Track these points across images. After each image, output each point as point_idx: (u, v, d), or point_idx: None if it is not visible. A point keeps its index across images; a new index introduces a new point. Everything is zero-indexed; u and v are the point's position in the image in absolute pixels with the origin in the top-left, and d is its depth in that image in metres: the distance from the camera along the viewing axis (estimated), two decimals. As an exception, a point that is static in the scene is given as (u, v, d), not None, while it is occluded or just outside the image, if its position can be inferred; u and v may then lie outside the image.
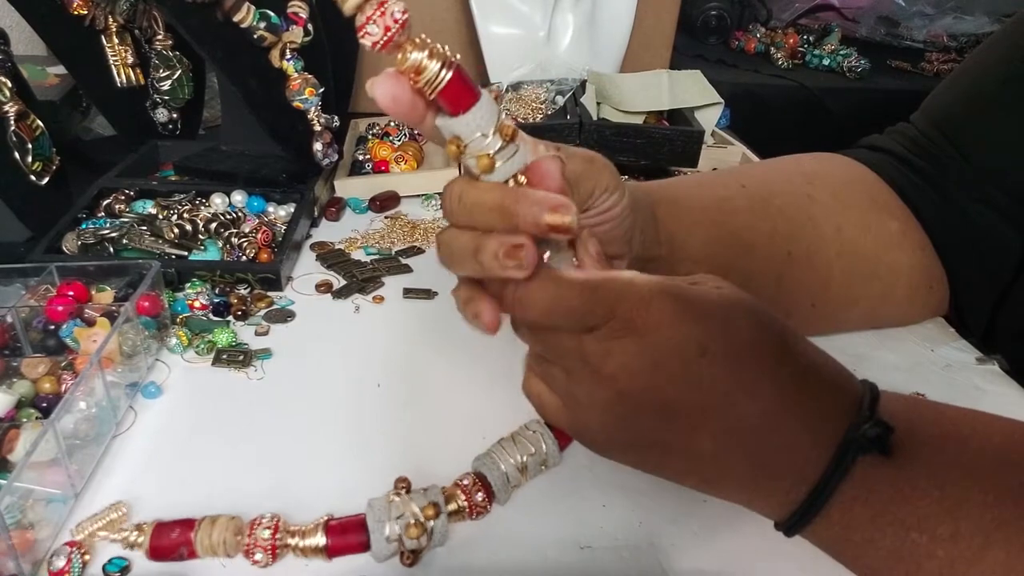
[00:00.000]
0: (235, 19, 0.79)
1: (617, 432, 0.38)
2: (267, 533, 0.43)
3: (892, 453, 0.34)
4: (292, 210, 0.81)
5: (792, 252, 0.59)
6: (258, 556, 0.42)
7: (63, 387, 0.55)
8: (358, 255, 0.79)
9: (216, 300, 0.69)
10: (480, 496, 0.47)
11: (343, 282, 0.74)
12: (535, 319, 0.37)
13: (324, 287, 0.73)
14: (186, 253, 0.74)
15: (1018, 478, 0.34)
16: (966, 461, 0.35)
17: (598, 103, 0.98)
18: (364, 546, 0.44)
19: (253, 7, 0.80)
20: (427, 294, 0.72)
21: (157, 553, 0.41)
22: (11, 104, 0.77)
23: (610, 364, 0.35)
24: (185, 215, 0.77)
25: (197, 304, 0.68)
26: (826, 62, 1.43)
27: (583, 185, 0.43)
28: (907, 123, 0.67)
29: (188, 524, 0.41)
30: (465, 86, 0.34)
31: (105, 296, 0.64)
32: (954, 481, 0.34)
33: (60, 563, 0.44)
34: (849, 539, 0.36)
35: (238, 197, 0.81)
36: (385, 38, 0.33)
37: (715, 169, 0.94)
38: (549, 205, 0.34)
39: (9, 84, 0.77)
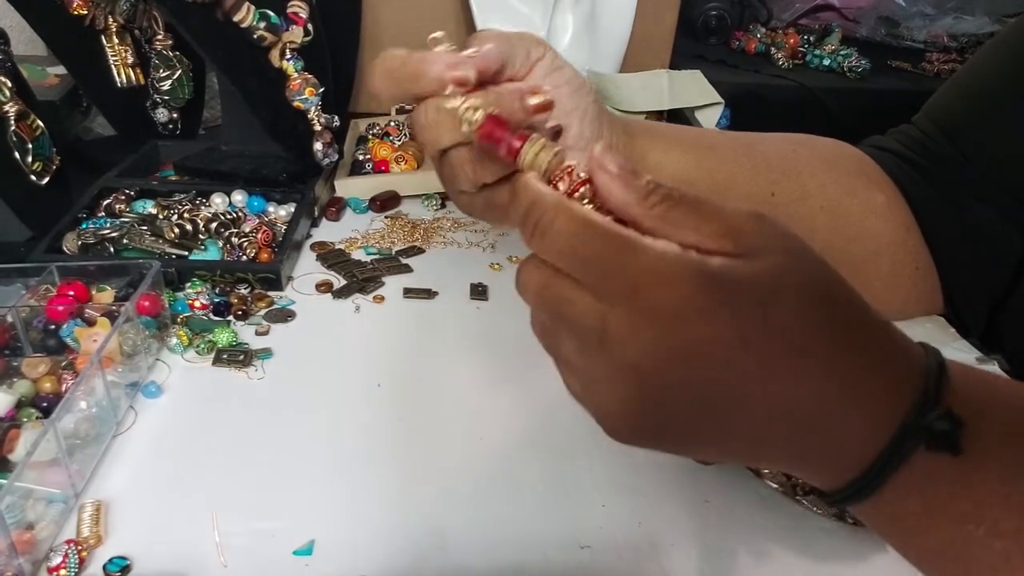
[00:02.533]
0: (235, 19, 0.79)
1: (641, 420, 0.34)
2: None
3: (962, 451, 0.31)
4: (292, 210, 0.81)
5: (776, 194, 0.58)
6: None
7: (63, 387, 0.55)
8: (358, 255, 0.79)
9: (216, 300, 0.69)
10: None
11: (343, 282, 0.74)
12: (553, 254, 0.33)
13: (324, 287, 0.73)
14: (186, 253, 0.74)
15: None
16: None
17: (598, 103, 0.98)
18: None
19: (253, 7, 0.80)
20: (427, 294, 0.72)
21: (487, 136, 0.37)
22: (11, 104, 0.77)
23: (632, 351, 0.31)
24: (185, 215, 0.77)
25: (197, 304, 0.68)
26: (827, 62, 1.43)
27: (515, 53, 0.43)
28: (909, 124, 0.67)
29: (523, 135, 0.37)
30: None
31: (105, 296, 0.64)
32: (1022, 475, 0.31)
33: (57, 559, 0.44)
34: (900, 525, 0.34)
35: (238, 197, 0.81)
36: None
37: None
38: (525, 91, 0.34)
39: (9, 84, 0.77)
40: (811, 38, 1.49)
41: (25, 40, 1.02)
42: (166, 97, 0.97)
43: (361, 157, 0.96)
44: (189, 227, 0.76)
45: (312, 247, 0.80)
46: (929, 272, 0.65)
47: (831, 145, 0.65)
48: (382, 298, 0.72)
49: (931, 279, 0.65)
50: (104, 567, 0.45)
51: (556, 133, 0.43)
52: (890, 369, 0.33)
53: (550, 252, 0.33)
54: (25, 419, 0.52)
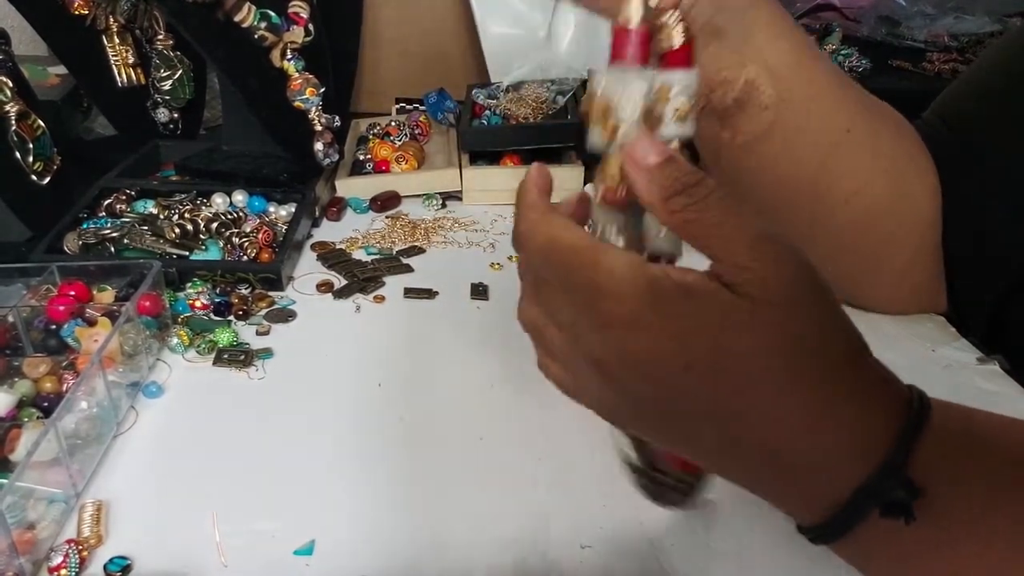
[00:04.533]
0: (236, 19, 0.79)
1: (618, 412, 0.36)
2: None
3: (914, 519, 0.30)
4: (293, 210, 0.81)
5: (851, 131, 0.57)
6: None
7: (64, 387, 0.55)
8: (359, 255, 0.79)
9: (217, 300, 0.69)
10: None
11: (344, 282, 0.74)
12: (535, 265, 0.37)
13: (325, 287, 0.73)
14: (187, 253, 0.74)
15: None
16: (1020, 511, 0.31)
17: (599, 103, 0.98)
18: None
19: (254, 7, 0.80)
20: (428, 294, 0.72)
21: None
22: (12, 104, 0.77)
23: (597, 351, 0.33)
24: (186, 215, 0.77)
25: (198, 304, 0.68)
26: (827, 62, 1.43)
27: None
28: (919, 120, 0.67)
29: None
30: None
31: (106, 296, 0.64)
32: (1005, 535, 0.30)
33: (58, 559, 0.44)
34: (873, 566, 0.34)
35: (239, 197, 0.81)
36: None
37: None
38: None
39: (10, 84, 0.78)
40: (812, 38, 1.49)
41: (26, 40, 1.02)
42: (167, 97, 0.97)
43: (362, 157, 0.96)
44: (190, 227, 0.76)
45: (313, 247, 0.80)
46: (940, 266, 0.65)
47: (897, 115, 0.64)
48: (383, 298, 0.72)
49: (939, 274, 0.65)
50: (104, 567, 0.45)
51: None
52: (855, 428, 0.32)
53: (532, 263, 0.37)
54: (26, 419, 0.52)
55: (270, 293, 0.72)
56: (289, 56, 0.84)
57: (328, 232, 0.84)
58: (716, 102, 0.55)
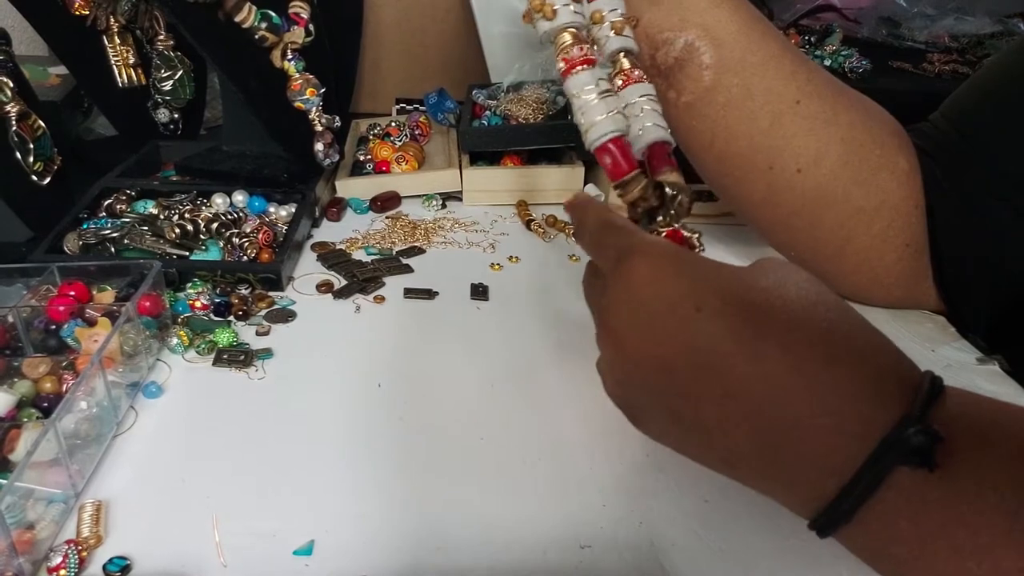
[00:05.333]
0: (236, 19, 0.79)
1: (631, 394, 0.38)
2: None
3: (936, 467, 0.29)
4: (293, 210, 0.81)
5: (801, 103, 0.60)
6: None
7: (64, 387, 0.55)
8: (359, 255, 0.79)
9: (217, 300, 0.69)
10: None
11: (344, 282, 0.74)
12: (585, 242, 0.42)
13: (325, 287, 0.73)
14: (187, 253, 0.74)
15: None
16: None
17: (599, 103, 0.98)
18: None
19: (255, 7, 0.80)
20: (428, 294, 0.72)
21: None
22: (13, 104, 0.77)
23: (612, 319, 0.36)
24: (186, 215, 0.77)
25: (198, 304, 0.68)
26: (828, 63, 1.42)
27: None
28: (926, 122, 0.67)
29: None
30: None
31: (106, 296, 0.64)
32: None
33: (57, 559, 0.44)
34: (891, 554, 0.32)
35: (239, 197, 0.81)
36: None
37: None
38: None
39: (11, 84, 0.78)
40: (812, 38, 1.48)
41: (26, 40, 1.02)
42: (167, 97, 0.97)
43: (362, 157, 0.96)
44: (190, 227, 0.76)
45: (313, 247, 0.80)
46: (918, 257, 0.64)
47: (878, 106, 0.65)
48: (383, 298, 0.72)
49: (918, 266, 0.65)
50: (104, 567, 0.45)
51: None
52: (871, 380, 0.32)
53: (583, 241, 0.41)
54: (25, 419, 0.52)
55: (270, 293, 0.72)
56: (289, 56, 0.84)
57: (328, 232, 0.84)
58: (659, 60, 0.60)
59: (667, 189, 0.44)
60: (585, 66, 0.45)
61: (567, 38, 0.45)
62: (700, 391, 0.34)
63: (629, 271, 0.35)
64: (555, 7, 0.45)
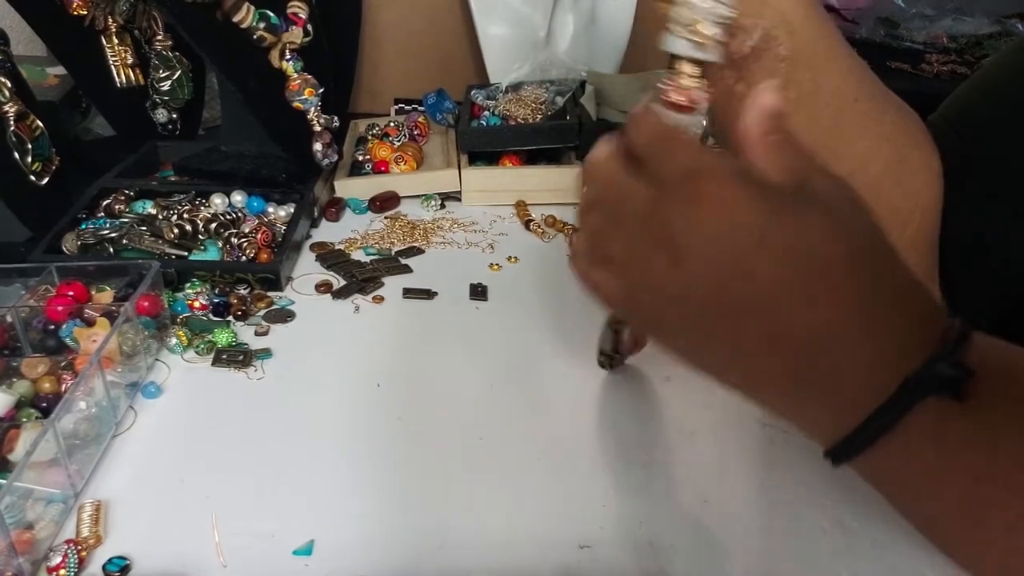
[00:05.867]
0: (235, 19, 0.79)
1: (668, 308, 0.37)
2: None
3: (965, 399, 0.31)
4: (292, 210, 0.81)
5: (859, 101, 0.58)
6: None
7: (63, 387, 0.55)
8: (358, 255, 0.79)
9: (216, 300, 0.69)
10: None
11: (343, 282, 0.74)
12: (639, 138, 0.38)
13: (324, 287, 0.73)
14: (186, 253, 0.74)
15: None
16: None
17: (598, 103, 0.98)
18: None
19: (253, 7, 0.80)
20: (427, 294, 0.72)
21: None
22: (11, 104, 0.77)
23: (668, 230, 0.35)
24: (185, 215, 0.77)
25: (197, 304, 0.68)
26: (826, 63, 1.43)
27: None
28: (925, 123, 0.67)
29: None
30: None
31: (105, 296, 0.64)
32: None
33: (57, 559, 0.44)
34: (909, 483, 0.33)
35: (238, 197, 0.81)
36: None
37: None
38: None
39: (9, 84, 0.77)
40: (810, 39, 1.49)
41: (25, 40, 1.01)
42: (166, 97, 0.97)
43: (360, 158, 0.96)
44: (188, 227, 0.76)
45: (311, 247, 0.80)
46: (933, 259, 0.64)
47: (907, 105, 0.64)
48: (381, 298, 0.72)
49: (932, 268, 0.65)
50: (104, 567, 0.45)
51: None
52: (908, 321, 0.33)
53: (637, 136, 0.38)
54: (24, 419, 0.52)
55: (269, 293, 0.71)
56: (288, 56, 0.84)
57: (327, 233, 0.84)
58: (734, 49, 0.55)
59: None
60: None
61: None
62: (745, 319, 0.34)
63: (698, 190, 0.34)
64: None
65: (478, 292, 0.73)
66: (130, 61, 0.95)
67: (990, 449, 0.31)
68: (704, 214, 0.34)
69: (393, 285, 0.74)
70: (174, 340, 0.63)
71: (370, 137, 1.01)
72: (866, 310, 0.33)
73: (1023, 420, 0.31)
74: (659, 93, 0.39)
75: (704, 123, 0.39)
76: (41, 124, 0.81)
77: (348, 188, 0.90)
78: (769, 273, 0.33)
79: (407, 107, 1.08)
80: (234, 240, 0.74)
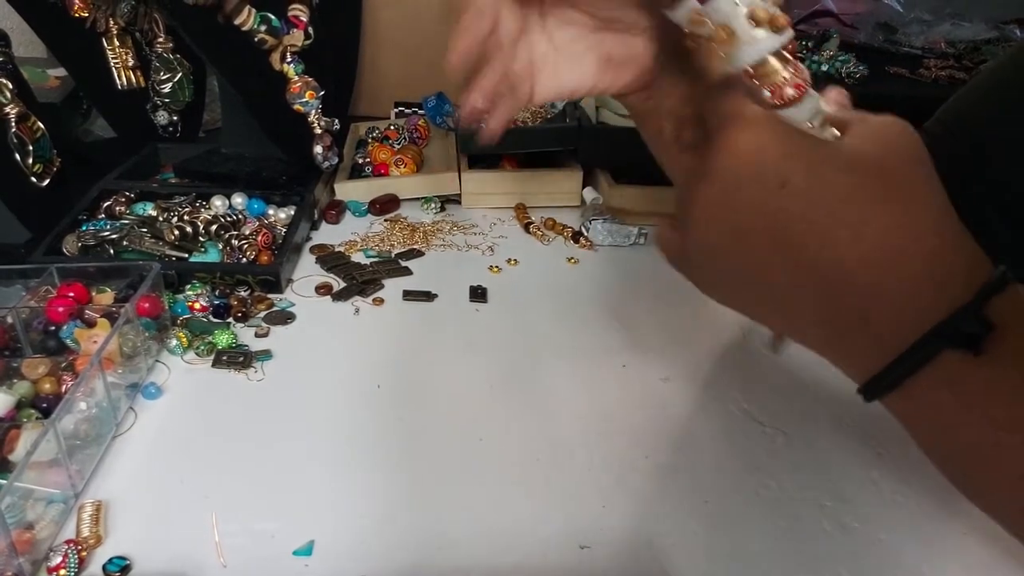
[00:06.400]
0: (236, 22, 0.79)
1: (703, 255, 0.38)
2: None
3: (983, 353, 0.31)
4: (292, 213, 0.81)
5: None
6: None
7: (63, 388, 0.55)
8: (358, 257, 0.79)
9: (216, 302, 0.69)
10: None
11: (343, 284, 0.74)
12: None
13: (324, 289, 0.73)
14: (186, 255, 0.74)
15: None
16: None
17: (597, 107, 0.98)
18: None
19: (254, 10, 0.80)
20: (426, 296, 0.73)
21: None
22: (12, 106, 0.77)
23: (709, 183, 0.36)
24: (185, 217, 0.77)
25: (197, 306, 0.68)
26: (824, 68, 1.43)
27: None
28: (922, 129, 0.68)
29: None
30: None
31: (105, 297, 0.64)
32: None
33: (57, 559, 0.44)
34: (930, 421, 0.34)
35: (238, 199, 0.82)
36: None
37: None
38: None
39: (10, 86, 0.78)
40: (809, 44, 1.49)
41: (26, 42, 1.02)
42: (166, 100, 0.97)
43: (361, 160, 0.96)
44: (189, 229, 0.76)
45: (312, 250, 0.80)
46: None
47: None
48: (381, 300, 0.72)
49: None
50: (104, 567, 0.45)
51: None
52: (940, 274, 0.33)
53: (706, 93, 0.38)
54: (25, 420, 0.52)
55: (269, 295, 0.72)
56: (289, 59, 0.84)
57: (327, 235, 0.84)
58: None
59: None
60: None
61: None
62: (771, 257, 0.35)
63: (727, 137, 0.35)
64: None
65: (478, 294, 0.73)
66: (131, 63, 0.95)
67: (1009, 400, 0.32)
68: (730, 163, 0.35)
69: (393, 287, 0.74)
70: (174, 341, 0.63)
71: (370, 140, 1.01)
72: (885, 253, 0.33)
73: None
74: (760, 97, 0.36)
75: (818, 100, 0.37)
76: (42, 126, 0.81)
77: (348, 191, 0.90)
78: (790, 213, 0.34)
79: (407, 110, 1.09)
80: (234, 242, 0.74)
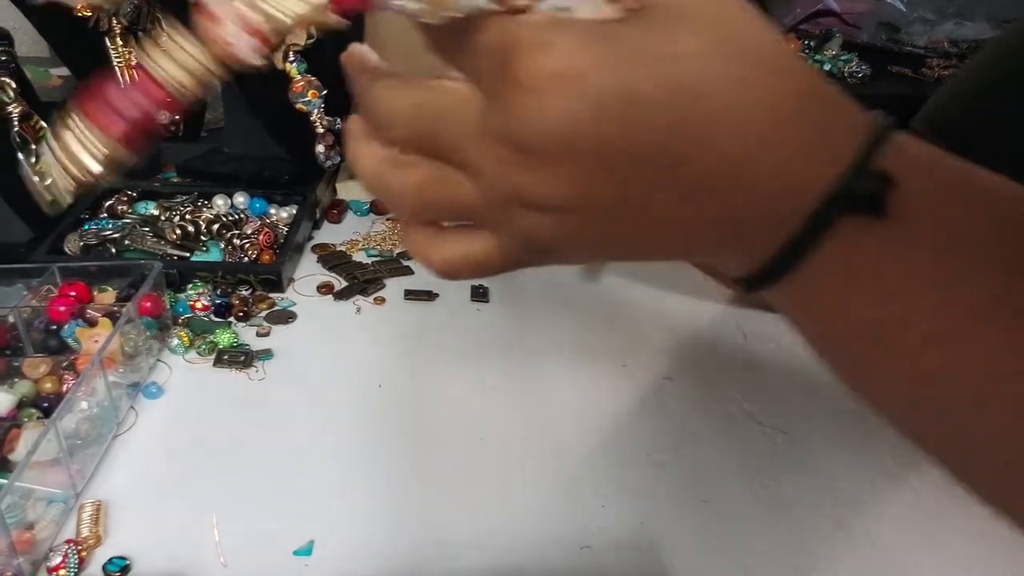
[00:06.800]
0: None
1: (554, 223, 0.30)
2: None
3: (887, 214, 0.27)
4: (294, 212, 0.82)
5: None
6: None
7: (64, 387, 0.55)
8: (359, 257, 0.79)
9: (218, 301, 0.69)
10: None
11: (344, 284, 0.74)
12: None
13: (325, 289, 0.73)
14: (188, 254, 0.74)
15: None
16: (981, 230, 0.29)
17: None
18: None
19: (256, 10, 0.80)
20: (428, 296, 0.73)
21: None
22: (15, 105, 0.77)
23: (519, 135, 0.27)
24: (187, 216, 0.77)
25: (199, 305, 0.68)
26: (827, 67, 1.43)
27: None
28: (907, 128, 0.68)
29: None
30: None
31: (107, 297, 0.64)
32: (960, 248, 0.28)
33: (57, 559, 0.44)
34: (815, 302, 0.30)
35: (240, 199, 0.82)
36: None
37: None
38: None
39: (13, 85, 0.78)
40: (812, 43, 1.49)
41: (28, 41, 1.02)
42: (168, 99, 0.97)
43: (363, 160, 0.96)
44: (191, 228, 0.76)
45: (313, 249, 0.80)
46: None
47: None
48: (383, 300, 0.72)
49: None
50: (104, 567, 0.45)
51: None
52: (829, 130, 0.28)
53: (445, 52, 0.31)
54: (26, 419, 0.52)
55: (270, 295, 0.72)
56: (291, 58, 0.84)
57: (329, 234, 0.84)
58: None
59: None
60: None
61: None
62: (651, 184, 0.28)
63: (527, 70, 0.26)
64: None
65: (479, 294, 0.73)
66: (134, 63, 0.95)
67: (902, 265, 0.28)
68: (548, 100, 0.27)
69: (394, 286, 0.74)
70: (176, 341, 0.63)
71: (372, 139, 1.01)
72: (776, 129, 0.27)
73: (941, 233, 0.28)
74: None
75: None
76: (45, 125, 0.81)
77: (350, 190, 0.90)
78: (652, 137, 0.27)
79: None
80: (236, 241, 0.74)
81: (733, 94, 0.27)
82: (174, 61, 0.27)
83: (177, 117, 0.93)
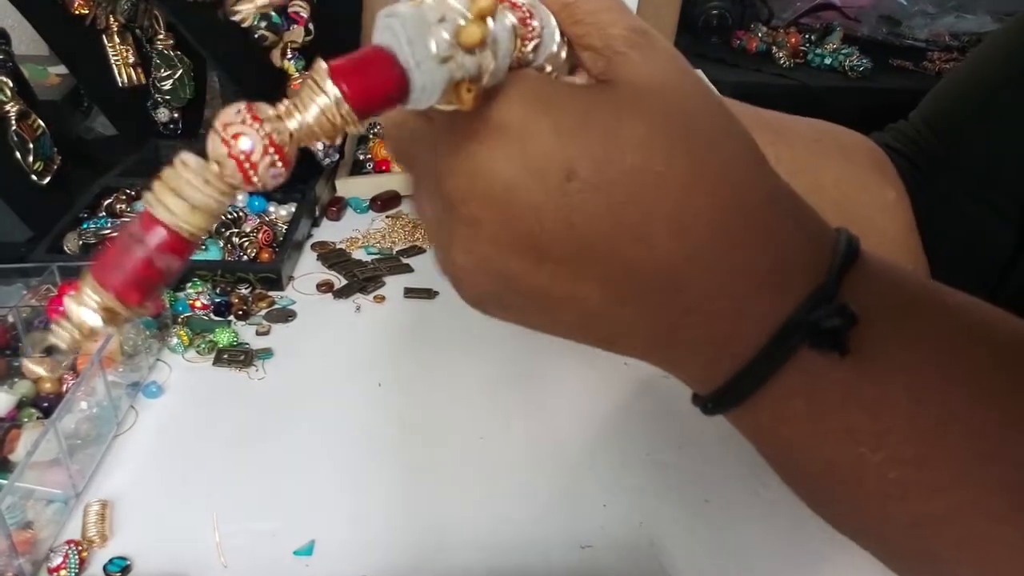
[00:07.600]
0: (236, 18, 0.79)
1: (483, 279, 0.30)
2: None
3: (849, 352, 0.26)
4: (293, 210, 0.81)
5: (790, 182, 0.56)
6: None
7: (64, 387, 0.55)
8: (359, 255, 0.79)
9: (217, 300, 0.69)
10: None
11: (344, 282, 0.74)
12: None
13: (325, 287, 0.73)
14: (187, 253, 0.74)
15: (1018, 403, 0.26)
16: (961, 372, 0.27)
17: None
18: (398, 82, 0.25)
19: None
20: (428, 294, 0.72)
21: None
22: (12, 104, 0.77)
23: (453, 184, 0.26)
24: (186, 215, 0.77)
25: (198, 304, 0.68)
26: (828, 61, 1.43)
27: None
28: (905, 121, 0.68)
29: None
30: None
31: (106, 296, 0.64)
32: (936, 397, 0.26)
33: (57, 560, 0.44)
34: (778, 434, 0.29)
35: (239, 197, 0.81)
36: None
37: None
38: None
39: (10, 84, 0.78)
40: (812, 37, 1.49)
41: (26, 40, 1.01)
42: (167, 97, 0.97)
43: (362, 157, 0.96)
44: (190, 227, 0.76)
45: (313, 247, 0.80)
46: (922, 271, 0.64)
47: (851, 137, 0.64)
48: (383, 298, 0.72)
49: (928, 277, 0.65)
50: (104, 567, 0.45)
51: None
52: (784, 260, 0.27)
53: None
54: (26, 419, 0.52)
55: (270, 293, 0.72)
56: (290, 55, 0.84)
57: (328, 232, 0.84)
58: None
59: None
60: None
61: None
62: (579, 272, 0.27)
63: (478, 125, 0.26)
64: None
65: (479, 292, 0.73)
66: (132, 60, 0.95)
67: (870, 404, 0.26)
68: (485, 160, 0.26)
69: (394, 284, 0.74)
70: (175, 340, 0.63)
71: (372, 136, 1.01)
72: (713, 240, 0.26)
73: (913, 370, 0.26)
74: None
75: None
76: (43, 123, 0.81)
77: (349, 187, 0.90)
78: (587, 212, 0.25)
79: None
80: (235, 239, 0.74)
81: (673, 196, 0.25)
82: (181, 198, 0.25)
83: (177, 115, 0.90)
